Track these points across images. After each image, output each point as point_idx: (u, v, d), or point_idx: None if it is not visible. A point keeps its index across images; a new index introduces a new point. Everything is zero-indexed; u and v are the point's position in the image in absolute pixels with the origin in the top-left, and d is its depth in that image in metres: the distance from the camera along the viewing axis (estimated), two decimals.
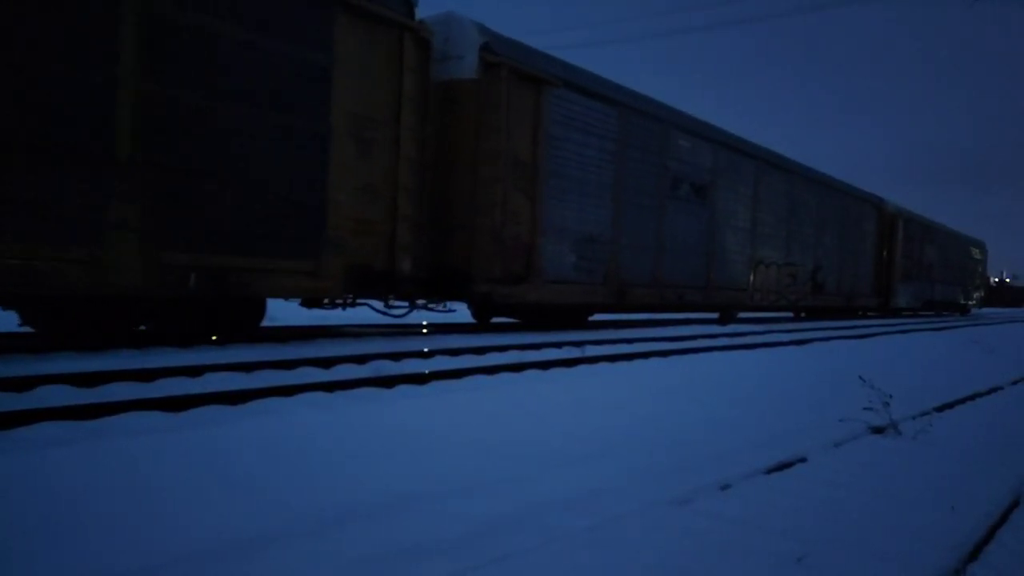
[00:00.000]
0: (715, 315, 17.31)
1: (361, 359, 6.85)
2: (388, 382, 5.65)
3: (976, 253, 37.54)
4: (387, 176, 8.17)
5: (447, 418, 4.28)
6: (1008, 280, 79.63)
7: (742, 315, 18.77)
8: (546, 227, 10.36)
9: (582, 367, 7.33)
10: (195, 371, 5.64)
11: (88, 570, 2.08)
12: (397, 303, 8.96)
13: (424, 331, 10.71)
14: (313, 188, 7.41)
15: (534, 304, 10.68)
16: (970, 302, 37.15)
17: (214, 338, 8.05)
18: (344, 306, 8.65)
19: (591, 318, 13.69)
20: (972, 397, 6.67)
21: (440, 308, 9.94)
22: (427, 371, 6.17)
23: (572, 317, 12.70)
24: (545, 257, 10.35)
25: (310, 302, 8.59)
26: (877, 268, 24.27)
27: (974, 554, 2.69)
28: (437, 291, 9.58)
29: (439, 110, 9.30)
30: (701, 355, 8.91)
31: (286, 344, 7.99)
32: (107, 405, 4.19)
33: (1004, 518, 3.16)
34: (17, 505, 2.48)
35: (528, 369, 6.92)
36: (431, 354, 7.55)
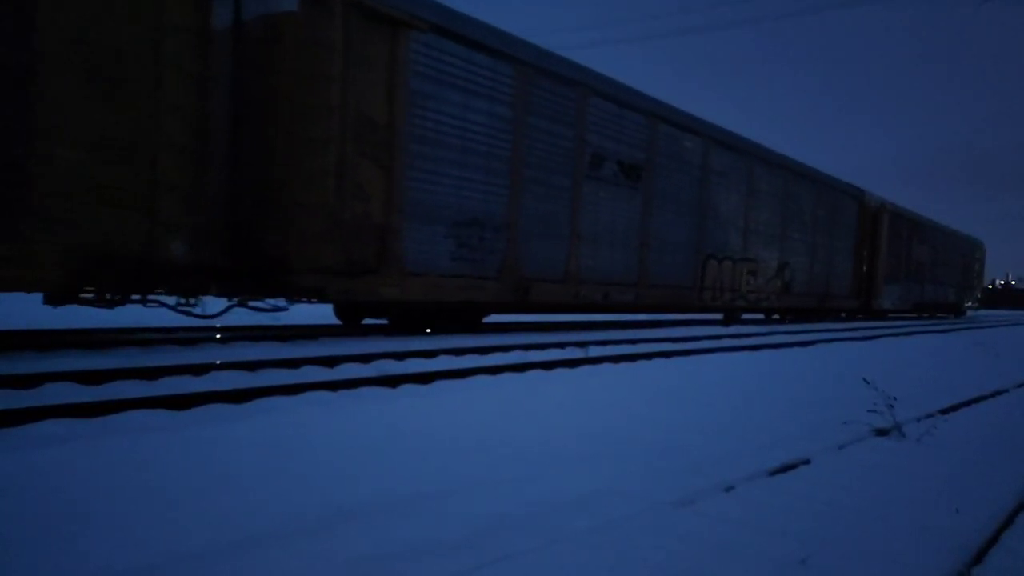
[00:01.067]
0: (719, 316, 17.23)
1: (365, 358, 6.87)
2: (392, 381, 5.66)
3: (972, 252, 35.65)
4: (147, 129, 6.15)
5: (450, 418, 4.29)
6: (1013, 283, 79.45)
7: (745, 316, 18.65)
8: (409, 205, 8.33)
9: (585, 367, 7.33)
10: (199, 369, 5.66)
11: (91, 567, 2.08)
12: (179, 299, 6.94)
13: (428, 331, 10.72)
14: (8, 137, 5.41)
15: (395, 301, 8.67)
16: (966, 304, 35.19)
17: (218, 337, 8.07)
18: (111, 305, 6.49)
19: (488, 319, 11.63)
20: (977, 400, 6.64)
21: (266, 307, 7.86)
22: (431, 371, 6.18)
23: (457, 318, 10.55)
24: (407, 242, 8.35)
25: (54, 298, 6.33)
26: (857, 266, 21.90)
27: (979, 557, 2.68)
28: (247, 285, 7.44)
29: (257, 52, 7.38)
30: (705, 356, 8.91)
31: (289, 343, 8.01)
32: (112, 403, 4.21)
33: (1009, 521, 3.15)
34: (22, 502, 2.49)
35: (531, 369, 6.93)
36: (435, 353, 7.56)
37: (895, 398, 4.96)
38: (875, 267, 22.85)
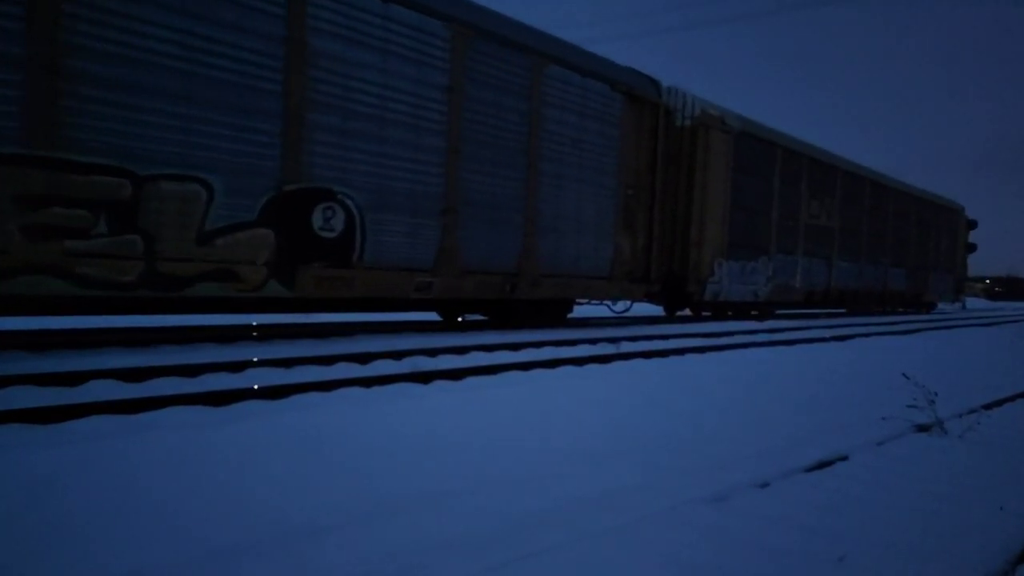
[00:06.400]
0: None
1: (398, 355, 6.93)
2: (424, 378, 5.71)
3: (945, 222, 25.31)
4: None
5: (481, 414, 4.31)
6: None
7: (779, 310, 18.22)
8: None
9: (617, 363, 7.30)
10: (237, 366, 5.77)
11: (139, 558, 2.15)
12: None
13: (460, 327, 10.77)
14: None
15: None
16: (929, 294, 24.71)
17: (255, 335, 8.22)
18: None
19: None
20: (1022, 395, 6.45)
21: None
22: (462, 367, 6.21)
23: None
24: None
25: None
26: (631, 221, 11.30)
27: None
28: None
29: None
30: (738, 351, 8.80)
31: (325, 340, 8.12)
32: (153, 399, 4.32)
33: None
34: (70, 496, 2.57)
35: (563, 365, 6.92)
36: (467, 350, 7.59)
37: (936, 393, 4.85)
38: (695, 226, 12.86)
